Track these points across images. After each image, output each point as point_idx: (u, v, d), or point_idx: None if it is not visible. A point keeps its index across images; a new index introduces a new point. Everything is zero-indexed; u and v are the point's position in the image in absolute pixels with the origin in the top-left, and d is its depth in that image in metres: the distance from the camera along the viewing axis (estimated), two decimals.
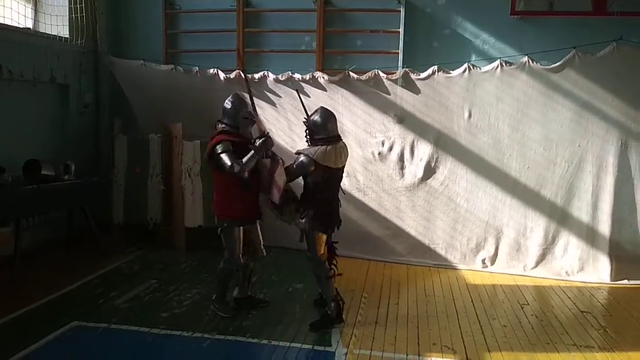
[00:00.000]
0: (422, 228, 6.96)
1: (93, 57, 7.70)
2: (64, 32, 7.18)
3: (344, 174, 5.11)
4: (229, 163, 4.56)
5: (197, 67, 7.32)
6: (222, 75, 7.23)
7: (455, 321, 5.08)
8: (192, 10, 7.75)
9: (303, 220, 4.74)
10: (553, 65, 6.38)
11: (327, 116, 4.86)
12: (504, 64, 6.52)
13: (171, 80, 7.36)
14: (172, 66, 7.40)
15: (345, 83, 6.95)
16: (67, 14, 7.18)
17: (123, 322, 4.82)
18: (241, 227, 4.95)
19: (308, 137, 4.86)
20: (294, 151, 5.07)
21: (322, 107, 4.99)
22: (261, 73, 7.15)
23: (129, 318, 4.91)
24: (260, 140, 4.68)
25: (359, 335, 4.69)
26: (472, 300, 5.64)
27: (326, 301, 4.90)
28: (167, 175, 7.09)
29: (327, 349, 4.44)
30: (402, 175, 6.97)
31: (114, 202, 7.20)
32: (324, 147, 4.70)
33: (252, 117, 4.91)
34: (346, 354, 4.33)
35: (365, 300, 5.55)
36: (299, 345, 4.47)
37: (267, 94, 7.18)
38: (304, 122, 4.92)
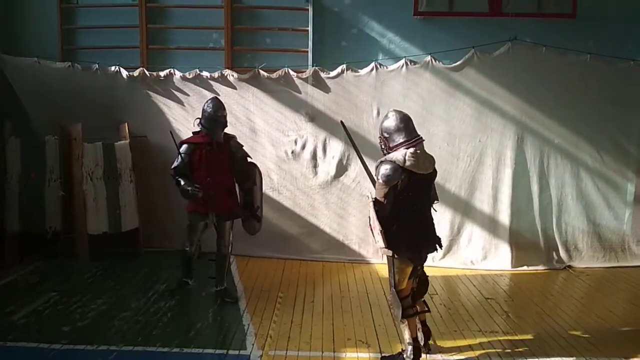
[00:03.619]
0: (336, 225, 7.03)
1: None
2: None
3: None
4: (174, 164, 5.22)
5: (97, 65, 6.94)
6: (124, 73, 6.92)
7: (369, 315, 5.17)
8: (90, 5, 7.32)
9: (381, 241, 3.90)
10: (454, 65, 6.70)
11: (403, 117, 4.09)
12: (409, 63, 6.75)
13: (68, 78, 6.92)
14: (69, 63, 6.96)
15: (255, 81, 6.89)
16: None
17: (20, 339, 4.47)
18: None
19: (384, 148, 4.14)
20: None
21: (394, 110, 4.20)
22: (167, 71, 6.91)
23: (27, 334, 4.55)
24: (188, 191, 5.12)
25: (275, 336, 4.63)
26: (384, 294, 5.74)
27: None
28: (67, 180, 6.65)
29: (242, 352, 4.33)
30: (316, 173, 7.01)
31: (6, 209, 6.64)
32: (405, 149, 3.95)
33: (223, 121, 5.32)
34: (261, 356, 4.26)
35: (280, 300, 5.51)
36: (212, 351, 4.35)
37: (175, 92, 6.95)
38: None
